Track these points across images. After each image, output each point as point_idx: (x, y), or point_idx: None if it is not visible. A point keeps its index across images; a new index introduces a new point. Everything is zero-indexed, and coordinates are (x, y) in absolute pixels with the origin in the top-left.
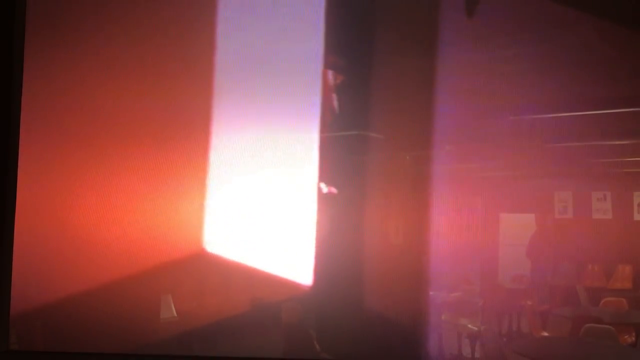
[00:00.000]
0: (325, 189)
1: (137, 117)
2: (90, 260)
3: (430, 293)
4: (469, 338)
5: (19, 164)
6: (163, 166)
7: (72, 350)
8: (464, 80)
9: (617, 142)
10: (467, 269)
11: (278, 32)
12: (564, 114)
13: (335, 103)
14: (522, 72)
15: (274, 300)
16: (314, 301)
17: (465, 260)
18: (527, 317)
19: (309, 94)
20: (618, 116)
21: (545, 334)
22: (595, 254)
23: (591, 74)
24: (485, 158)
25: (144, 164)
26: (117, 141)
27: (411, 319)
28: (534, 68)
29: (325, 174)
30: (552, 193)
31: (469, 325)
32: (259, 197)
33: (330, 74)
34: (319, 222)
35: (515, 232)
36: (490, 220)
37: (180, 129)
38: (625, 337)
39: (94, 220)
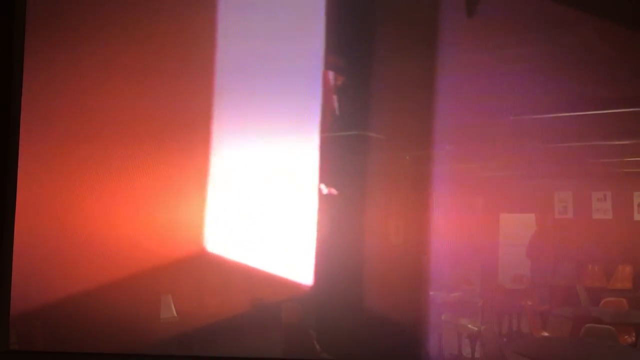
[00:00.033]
0: (325, 190)
1: (137, 117)
2: (90, 260)
3: (431, 293)
4: (469, 338)
5: (19, 163)
6: (163, 166)
7: (72, 350)
8: (464, 80)
9: (617, 142)
10: (467, 269)
11: (278, 32)
12: (564, 114)
13: (336, 103)
14: (522, 72)
15: (274, 301)
16: (314, 301)
17: (466, 261)
18: (527, 317)
19: (309, 94)
20: (618, 116)
21: (546, 334)
22: (596, 254)
23: (591, 74)
24: (485, 158)
25: (144, 164)
26: (117, 141)
27: (411, 319)
28: (534, 68)
29: (325, 174)
30: (552, 193)
31: (469, 326)
32: (259, 197)
33: (330, 74)
34: (319, 222)
35: (515, 232)
36: (490, 220)
37: (181, 129)
38: (626, 337)
39: (94, 220)
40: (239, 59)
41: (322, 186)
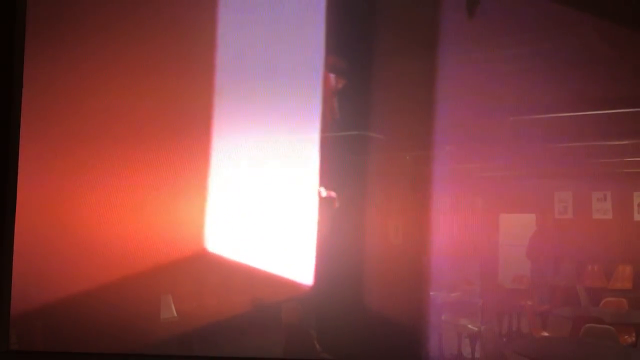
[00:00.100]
0: (324, 193)
1: (137, 117)
2: (90, 261)
3: (431, 293)
4: (469, 338)
5: (20, 163)
6: (164, 166)
7: (72, 350)
8: (464, 80)
9: (617, 142)
10: (467, 269)
11: (279, 33)
12: (564, 114)
13: (336, 103)
14: (522, 72)
15: (274, 301)
16: (314, 301)
17: (466, 261)
18: (527, 317)
19: (310, 94)
20: (618, 116)
21: (546, 334)
22: (596, 254)
23: (591, 74)
24: (485, 158)
25: (145, 164)
26: (118, 141)
27: (411, 319)
28: (534, 68)
29: (325, 174)
30: (552, 193)
31: (469, 326)
32: (260, 198)
33: (330, 74)
34: (319, 222)
35: (515, 232)
36: (490, 221)
37: (181, 129)
38: (626, 337)
39: (94, 220)
40: (239, 59)
41: (322, 189)
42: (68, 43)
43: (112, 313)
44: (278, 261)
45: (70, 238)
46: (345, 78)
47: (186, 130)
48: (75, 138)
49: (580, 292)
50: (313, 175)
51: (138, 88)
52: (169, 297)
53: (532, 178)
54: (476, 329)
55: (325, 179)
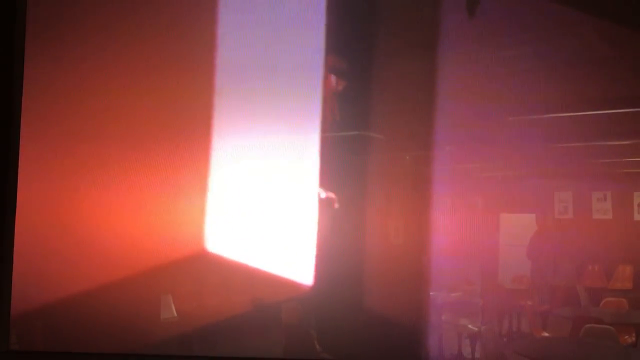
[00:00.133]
0: (323, 194)
1: (137, 117)
2: (90, 261)
3: (431, 293)
4: (470, 338)
5: (20, 163)
6: (164, 167)
7: (72, 350)
8: (464, 80)
9: (617, 142)
10: (468, 269)
11: (279, 33)
12: (564, 114)
13: (336, 103)
14: (522, 72)
15: (274, 301)
16: (315, 301)
17: (466, 261)
18: (528, 318)
19: (310, 94)
20: (618, 116)
21: (546, 334)
22: (596, 254)
23: (591, 74)
24: (485, 158)
25: (145, 164)
26: (118, 141)
27: (411, 319)
28: (534, 68)
29: (325, 174)
30: (552, 193)
31: (469, 326)
32: (260, 198)
33: (330, 74)
34: (319, 222)
35: (515, 232)
36: (490, 221)
37: (181, 129)
38: (626, 337)
39: (94, 220)
40: (240, 59)
41: (321, 191)
42: (68, 43)
43: (112, 313)
44: (278, 261)
45: (70, 238)
46: (345, 78)
47: (186, 131)
48: (75, 138)
49: (580, 292)
50: (313, 175)
51: (138, 88)
52: (169, 297)
53: (532, 178)
54: (476, 329)
55: (325, 179)
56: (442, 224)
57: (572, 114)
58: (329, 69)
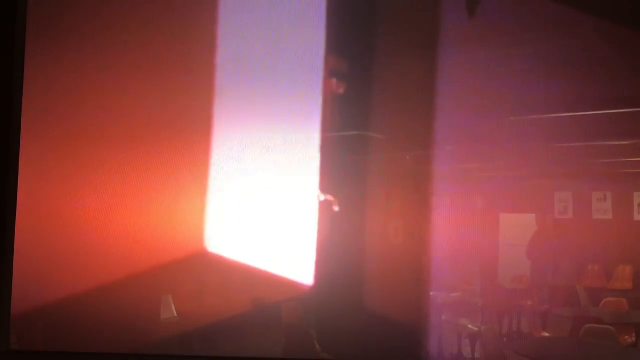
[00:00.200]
0: (323, 194)
1: (138, 117)
2: (90, 261)
3: (431, 293)
4: (469, 338)
5: (20, 163)
6: (164, 167)
7: (72, 350)
8: (465, 80)
9: (617, 143)
10: (468, 270)
11: (279, 33)
12: (564, 114)
13: (336, 103)
14: (522, 72)
15: (274, 301)
16: (315, 301)
17: (466, 261)
18: (528, 318)
19: (310, 94)
20: (618, 116)
21: (546, 334)
22: (596, 254)
23: (591, 74)
24: (486, 158)
25: (145, 165)
26: (118, 141)
27: (411, 319)
28: (534, 68)
29: (326, 174)
30: (552, 193)
31: (469, 326)
32: (260, 198)
33: (331, 74)
34: (319, 222)
35: (515, 232)
36: (491, 221)
37: (181, 129)
38: (626, 337)
39: (95, 220)
40: (240, 59)
41: (320, 191)
42: (68, 43)
43: (112, 313)
44: (278, 261)
45: (71, 238)
46: (346, 78)
47: (187, 131)
48: (76, 138)
49: (581, 292)
50: (313, 176)
51: (138, 88)
52: (169, 297)
53: (533, 178)
54: (476, 329)
55: (326, 179)
56: (442, 224)
57: (572, 114)
58: (329, 69)
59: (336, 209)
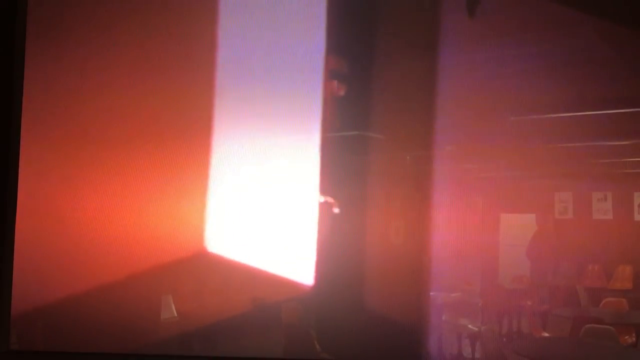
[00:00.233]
0: (323, 194)
1: (138, 118)
2: (90, 261)
3: (431, 293)
4: (469, 338)
5: (20, 163)
6: (164, 167)
7: (72, 350)
8: (465, 80)
9: (617, 143)
10: (468, 270)
11: (279, 33)
12: (564, 114)
13: (336, 103)
14: (522, 72)
15: (274, 300)
16: (315, 301)
17: (466, 261)
18: (527, 318)
19: (310, 94)
20: (618, 116)
21: (546, 334)
22: (596, 255)
23: (591, 74)
24: (486, 158)
25: (146, 165)
26: (118, 141)
27: (411, 319)
28: (534, 68)
29: (326, 174)
30: (552, 193)
31: (469, 326)
32: (260, 198)
33: (331, 74)
34: (319, 222)
35: (515, 232)
36: (491, 221)
37: (182, 129)
38: (626, 337)
39: (95, 220)
40: (240, 59)
41: (321, 192)
42: (69, 44)
43: (113, 313)
44: (278, 261)
45: (71, 238)
46: (346, 78)
47: (187, 132)
48: (76, 138)
49: (580, 292)
50: (313, 176)
51: (140, 89)
52: (169, 297)
53: (533, 178)
54: (476, 329)
55: (326, 179)
56: (442, 224)
57: (572, 114)
58: (329, 69)
59: (336, 209)
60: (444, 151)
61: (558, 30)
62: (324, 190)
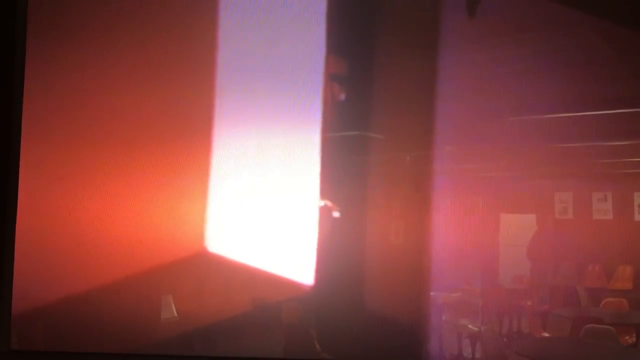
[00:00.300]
0: (323, 195)
1: (138, 118)
2: (91, 261)
3: (431, 293)
4: (470, 338)
5: (21, 163)
6: (165, 167)
7: (72, 350)
8: (465, 80)
9: (617, 143)
10: (468, 270)
11: (279, 34)
12: (564, 114)
13: (336, 104)
14: (522, 72)
15: (274, 300)
16: (315, 301)
17: (466, 261)
18: (528, 318)
19: (310, 95)
20: (618, 116)
21: (546, 334)
22: (596, 255)
23: (591, 74)
24: (486, 158)
25: (146, 165)
26: (119, 142)
27: (412, 319)
28: (534, 68)
29: (326, 174)
30: (552, 194)
31: (470, 326)
32: (261, 198)
33: (331, 75)
34: (319, 222)
35: (515, 232)
36: (491, 221)
37: (182, 129)
38: (626, 337)
39: (95, 220)
40: (240, 60)
41: (321, 192)
42: (69, 44)
43: (113, 313)
44: (279, 261)
45: (71, 238)
46: (346, 78)
47: (187, 132)
48: (77, 138)
49: (581, 292)
50: (313, 176)
51: (141, 89)
52: (169, 297)
53: (533, 178)
54: (476, 329)
55: (326, 179)
56: (442, 224)
57: (572, 114)
58: (329, 69)
59: (336, 209)
60: (444, 151)
61: (558, 30)
62: (324, 191)
